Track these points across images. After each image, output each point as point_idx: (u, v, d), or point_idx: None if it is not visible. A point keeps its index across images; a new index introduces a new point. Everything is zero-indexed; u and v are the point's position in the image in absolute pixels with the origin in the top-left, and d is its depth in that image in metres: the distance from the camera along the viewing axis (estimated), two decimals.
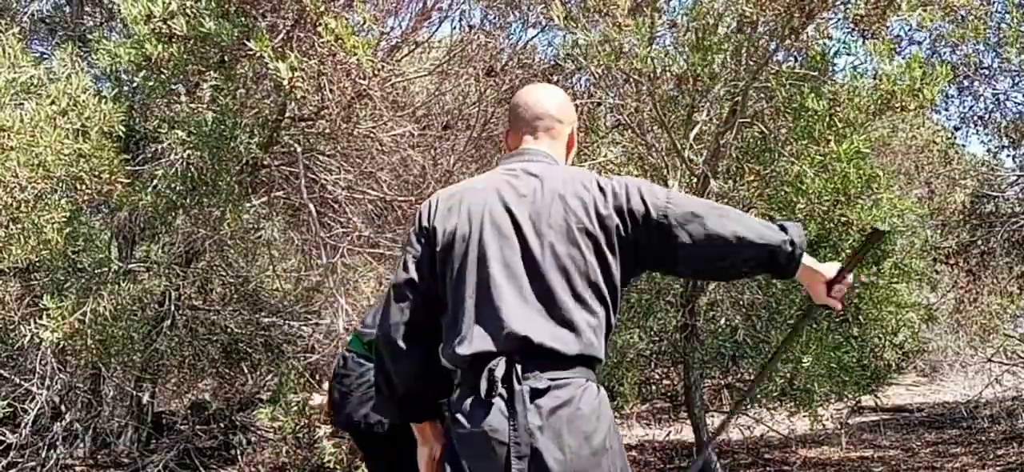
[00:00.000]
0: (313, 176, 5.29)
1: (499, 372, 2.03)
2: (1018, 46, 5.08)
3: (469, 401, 2.07)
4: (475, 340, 2.07)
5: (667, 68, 4.97)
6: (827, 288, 2.34)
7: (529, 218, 2.13)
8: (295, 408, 5.19)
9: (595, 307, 2.10)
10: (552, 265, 2.09)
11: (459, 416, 2.08)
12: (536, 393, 2.02)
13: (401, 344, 2.17)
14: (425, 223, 2.20)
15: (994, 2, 5.81)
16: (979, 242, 7.37)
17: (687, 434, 7.36)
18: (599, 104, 6.07)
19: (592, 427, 2.04)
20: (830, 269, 2.34)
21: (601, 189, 2.17)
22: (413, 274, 2.18)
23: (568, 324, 2.06)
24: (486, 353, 2.05)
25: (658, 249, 2.15)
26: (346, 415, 3.22)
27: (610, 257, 2.13)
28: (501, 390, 2.02)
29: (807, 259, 2.28)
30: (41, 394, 5.52)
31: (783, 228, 2.23)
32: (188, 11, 4.34)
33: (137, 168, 5.15)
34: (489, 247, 2.11)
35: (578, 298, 2.08)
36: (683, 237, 2.13)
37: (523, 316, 2.05)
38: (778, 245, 2.19)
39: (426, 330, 2.17)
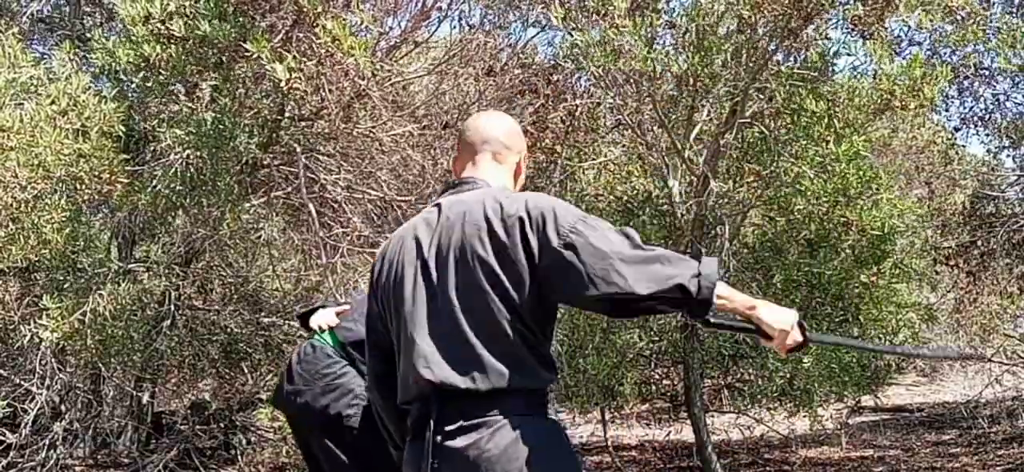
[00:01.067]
0: (313, 176, 5.28)
1: (413, 420, 2.02)
2: (1009, 52, 5.07)
3: (408, 439, 2.07)
4: (401, 388, 2.05)
5: (667, 68, 4.97)
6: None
7: (434, 252, 2.05)
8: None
9: (505, 338, 1.95)
10: (453, 299, 1.98)
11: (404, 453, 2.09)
12: (446, 436, 1.94)
13: (379, 396, 2.19)
14: (372, 276, 2.18)
15: (994, 3, 5.80)
16: (979, 242, 7.37)
17: (687, 434, 7.36)
18: (599, 104, 6.08)
19: (500, 469, 1.92)
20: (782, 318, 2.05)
21: (503, 212, 2.00)
22: (371, 331, 2.18)
23: (475, 360, 1.94)
24: (406, 400, 2.04)
25: (561, 281, 1.94)
26: (302, 403, 3.22)
27: (512, 282, 1.95)
28: (419, 434, 1.99)
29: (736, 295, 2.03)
30: (41, 394, 5.52)
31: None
32: (186, 12, 4.34)
33: (137, 168, 5.15)
34: (403, 288, 2.05)
35: (484, 332, 1.95)
36: (585, 274, 1.90)
37: (431, 358, 1.96)
38: (685, 281, 1.90)
39: (393, 379, 2.12)
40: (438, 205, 2.14)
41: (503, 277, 1.95)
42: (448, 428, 1.93)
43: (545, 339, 2.02)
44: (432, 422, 1.94)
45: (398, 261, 2.09)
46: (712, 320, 2.01)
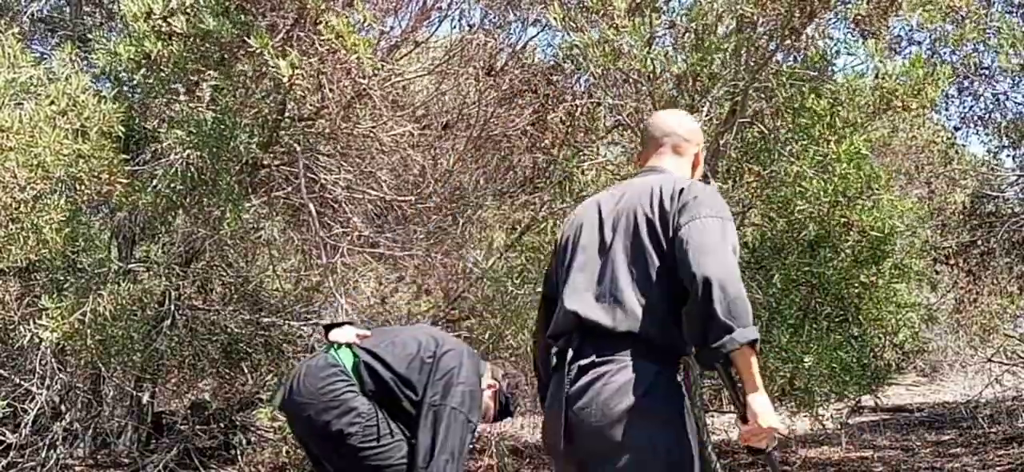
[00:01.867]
0: (313, 176, 5.28)
1: (557, 351, 2.40)
2: (1007, 53, 5.07)
3: (552, 371, 2.44)
4: (554, 322, 2.44)
5: (666, 68, 4.97)
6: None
7: (611, 216, 2.42)
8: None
9: (651, 293, 2.28)
10: (618, 254, 2.34)
11: (548, 383, 2.47)
12: (582, 368, 2.29)
13: (535, 345, 2.66)
14: (557, 240, 2.60)
15: (994, 3, 5.81)
16: (979, 242, 7.37)
17: None
18: (599, 104, 6.07)
19: (615, 403, 2.23)
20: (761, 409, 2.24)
21: (671, 189, 2.35)
22: (546, 284, 2.64)
23: (622, 305, 2.28)
24: (554, 335, 2.43)
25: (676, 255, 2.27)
26: (306, 416, 3.24)
27: (660, 249, 2.30)
28: (559, 364, 2.37)
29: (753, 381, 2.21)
30: (41, 394, 5.52)
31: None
32: (188, 9, 4.33)
33: (137, 168, 5.15)
34: (578, 242, 2.45)
35: (637, 284, 2.30)
36: (674, 245, 2.27)
37: (585, 298, 2.34)
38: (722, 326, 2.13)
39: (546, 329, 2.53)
40: (620, 186, 2.57)
41: (661, 242, 2.30)
42: (583, 362, 2.29)
43: (682, 303, 2.25)
44: (571, 352, 2.31)
45: (578, 223, 2.51)
46: (716, 366, 2.25)
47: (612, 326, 2.28)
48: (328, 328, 3.52)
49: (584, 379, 2.28)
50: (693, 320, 2.19)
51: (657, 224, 2.31)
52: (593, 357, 2.28)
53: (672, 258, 2.26)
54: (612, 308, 2.29)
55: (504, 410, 3.55)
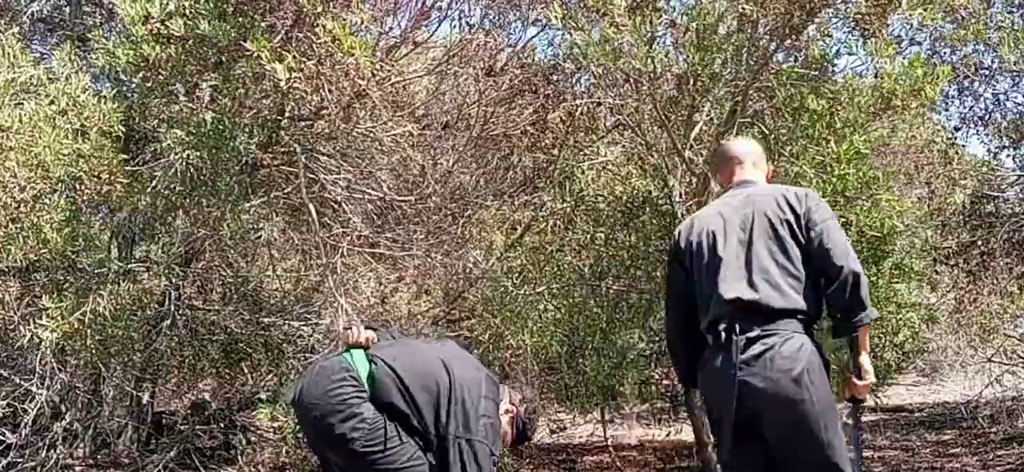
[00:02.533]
0: (313, 176, 5.28)
1: (723, 327, 2.93)
2: (1011, 47, 5.07)
3: (709, 351, 3.02)
4: (711, 310, 2.98)
5: (667, 68, 4.97)
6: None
7: (741, 221, 3.03)
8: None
9: (794, 276, 2.93)
10: (762, 250, 2.95)
11: (705, 361, 3.03)
12: (749, 341, 2.88)
13: (678, 337, 3.20)
14: (681, 243, 3.16)
15: (994, 3, 5.80)
16: (979, 242, 7.37)
17: (687, 434, 7.36)
18: (599, 104, 6.07)
19: (790, 364, 2.85)
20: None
21: (794, 196, 3.05)
22: (674, 283, 3.21)
23: (774, 287, 2.91)
24: (717, 317, 2.96)
25: (808, 248, 2.98)
26: (313, 417, 3.22)
27: (798, 242, 2.96)
28: (726, 340, 2.91)
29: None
30: (41, 394, 5.51)
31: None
32: (186, 12, 4.33)
33: (136, 168, 5.15)
34: (716, 247, 3.02)
35: (782, 268, 2.93)
36: (813, 241, 2.96)
37: (737, 288, 2.93)
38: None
39: (687, 322, 3.15)
40: (730, 194, 3.21)
41: (798, 237, 2.96)
42: (749, 335, 2.88)
43: (814, 284, 2.97)
44: (738, 328, 2.88)
45: (708, 232, 3.08)
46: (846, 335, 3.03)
47: (770, 305, 2.88)
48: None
49: (754, 348, 2.87)
50: (839, 300, 2.93)
51: (793, 223, 2.96)
52: (758, 330, 2.88)
53: (806, 249, 2.95)
54: (767, 290, 2.90)
55: (521, 434, 3.53)
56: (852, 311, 2.92)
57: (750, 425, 2.90)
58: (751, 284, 2.92)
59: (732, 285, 2.93)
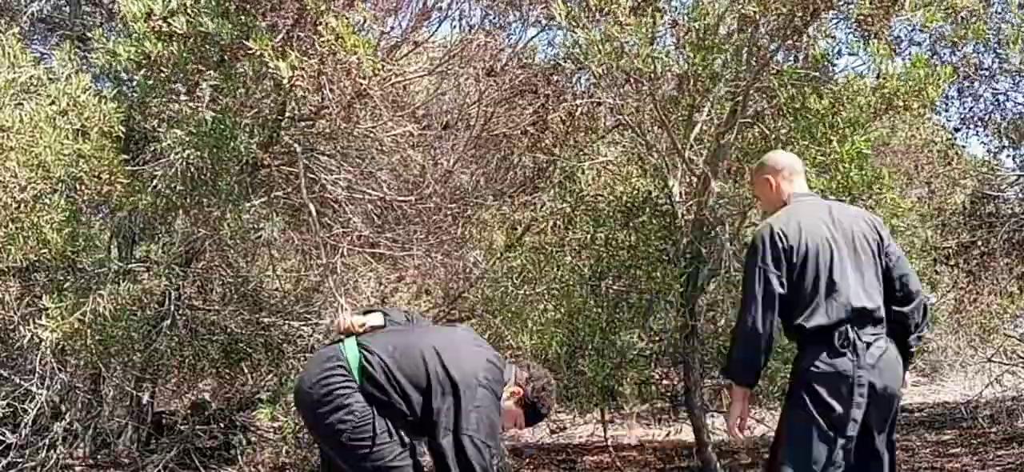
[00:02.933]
0: (313, 176, 5.28)
1: (849, 331, 3.22)
2: (1020, 46, 5.07)
3: (824, 352, 3.24)
4: (831, 313, 3.24)
5: (668, 68, 4.97)
6: None
7: (841, 234, 3.36)
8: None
9: (881, 289, 3.36)
10: (863, 263, 3.34)
11: (817, 362, 3.25)
12: (867, 344, 3.24)
13: (767, 332, 3.28)
14: (784, 246, 3.31)
15: (994, 3, 5.80)
16: (979, 242, 7.36)
17: (687, 434, 7.35)
18: (599, 104, 6.07)
19: (898, 366, 3.36)
20: None
21: (874, 220, 3.54)
22: (777, 287, 3.29)
23: (877, 297, 3.32)
24: (841, 320, 3.23)
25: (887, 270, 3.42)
26: (306, 405, 3.23)
27: (879, 262, 3.40)
28: (851, 343, 3.22)
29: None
30: (41, 394, 5.50)
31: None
32: (188, 9, 4.32)
33: (137, 168, 5.14)
34: (825, 256, 3.30)
35: (878, 281, 3.36)
36: (892, 267, 3.42)
37: (860, 295, 3.27)
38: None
39: (775, 322, 3.32)
40: (818, 205, 3.53)
41: (878, 257, 3.40)
42: (867, 338, 3.25)
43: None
44: (860, 332, 3.23)
45: (824, 240, 3.33)
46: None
47: (879, 313, 3.29)
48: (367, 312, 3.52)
49: (874, 350, 3.25)
50: (915, 317, 3.43)
51: (878, 245, 3.40)
52: (870, 334, 3.25)
53: (886, 270, 3.40)
54: (877, 300, 3.30)
55: (533, 412, 3.46)
56: (920, 327, 3.44)
57: (864, 419, 3.26)
58: (867, 293, 3.29)
59: (856, 292, 3.27)
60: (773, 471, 3.36)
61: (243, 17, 4.47)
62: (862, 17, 4.62)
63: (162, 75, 4.50)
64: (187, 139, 4.62)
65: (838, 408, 3.22)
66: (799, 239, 3.31)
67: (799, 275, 3.29)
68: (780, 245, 3.30)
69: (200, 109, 4.82)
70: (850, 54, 5.05)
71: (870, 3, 4.61)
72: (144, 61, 4.35)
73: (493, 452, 3.19)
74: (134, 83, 4.86)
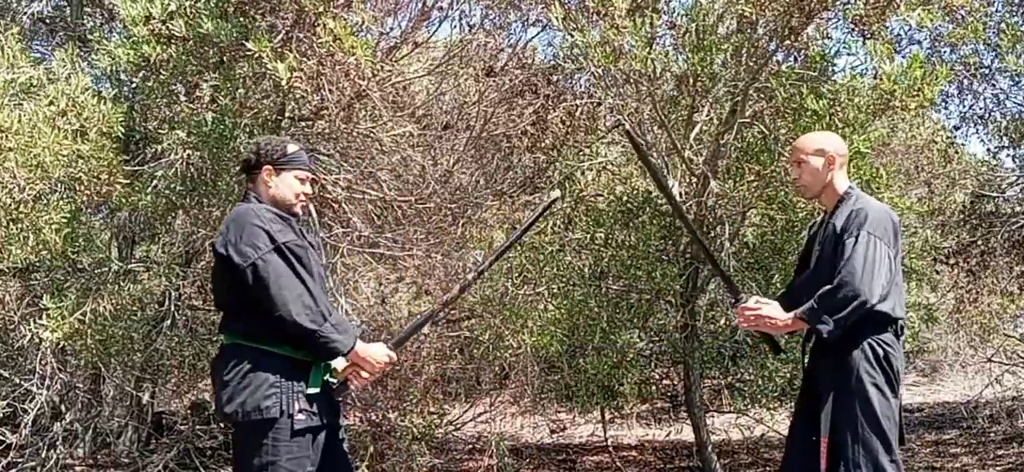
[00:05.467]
0: (313, 176, 5.27)
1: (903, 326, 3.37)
2: (1016, 51, 5.07)
3: (897, 345, 3.31)
4: (902, 307, 3.33)
5: (667, 68, 4.97)
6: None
7: None
8: None
9: None
10: None
11: (898, 355, 3.31)
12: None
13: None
14: (897, 232, 3.34)
15: (994, 2, 5.80)
16: (979, 242, 7.36)
17: (687, 434, 7.36)
18: (599, 104, 6.07)
19: None
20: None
21: None
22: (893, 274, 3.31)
23: None
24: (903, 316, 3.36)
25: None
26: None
27: None
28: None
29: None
30: (41, 394, 5.52)
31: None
32: (187, 12, 4.33)
33: (137, 168, 5.15)
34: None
35: None
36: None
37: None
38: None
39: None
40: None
41: None
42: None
43: None
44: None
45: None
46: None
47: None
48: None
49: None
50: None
51: None
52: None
53: None
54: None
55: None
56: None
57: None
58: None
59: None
60: (875, 454, 3.23)
61: (242, 18, 4.48)
62: (858, 17, 4.62)
63: (162, 77, 4.50)
64: (187, 139, 4.63)
65: (897, 400, 3.30)
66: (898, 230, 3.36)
67: (896, 263, 3.33)
68: (897, 230, 3.34)
69: (200, 110, 4.83)
70: (847, 54, 5.05)
71: (865, 3, 4.61)
72: (143, 64, 4.35)
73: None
74: (134, 85, 4.86)
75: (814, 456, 3.30)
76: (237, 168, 3.35)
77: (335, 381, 3.20)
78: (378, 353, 3.20)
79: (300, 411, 3.03)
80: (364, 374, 3.21)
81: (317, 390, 3.12)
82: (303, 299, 2.98)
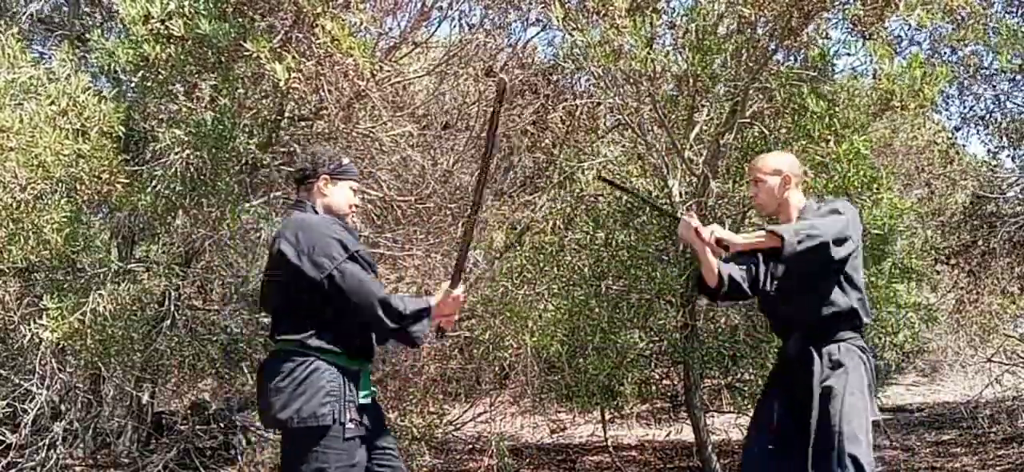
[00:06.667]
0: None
1: None
2: (1010, 52, 5.06)
3: (868, 349, 3.47)
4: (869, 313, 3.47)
5: (667, 68, 4.97)
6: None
7: None
8: None
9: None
10: None
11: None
12: None
13: None
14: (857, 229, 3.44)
15: (994, 3, 5.80)
16: (979, 242, 7.37)
17: (687, 434, 7.36)
18: (599, 104, 6.07)
19: None
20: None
21: None
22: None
23: None
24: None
25: None
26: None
27: None
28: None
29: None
30: (41, 394, 5.51)
31: None
32: (185, 12, 4.33)
33: (136, 168, 5.15)
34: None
35: None
36: None
37: None
38: None
39: None
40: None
41: None
42: None
43: None
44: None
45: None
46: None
47: None
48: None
49: None
50: None
51: None
52: None
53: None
54: None
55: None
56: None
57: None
58: None
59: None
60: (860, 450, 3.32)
61: (240, 19, 4.47)
62: (856, 17, 4.62)
63: (161, 76, 4.50)
64: (186, 139, 4.63)
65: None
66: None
67: (858, 267, 3.43)
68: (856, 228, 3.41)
69: (199, 110, 4.83)
70: (847, 54, 5.05)
71: (864, 4, 4.61)
72: (142, 63, 4.35)
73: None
74: (133, 85, 4.86)
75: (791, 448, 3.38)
76: (294, 175, 3.40)
77: (429, 332, 3.33)
78: (452, 301, 3.33)
79: (350, 420, 3.08)
80: (452, 317, 3.42)
81: (367, 400, 3.19)
82: (383, 301, 3.06)
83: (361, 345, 3.18)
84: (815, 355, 3.37)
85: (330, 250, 3.05)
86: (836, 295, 3.37)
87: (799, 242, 3.19)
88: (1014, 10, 6.08)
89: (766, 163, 3.58)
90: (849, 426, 3.27)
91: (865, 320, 3.46)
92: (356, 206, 3.39)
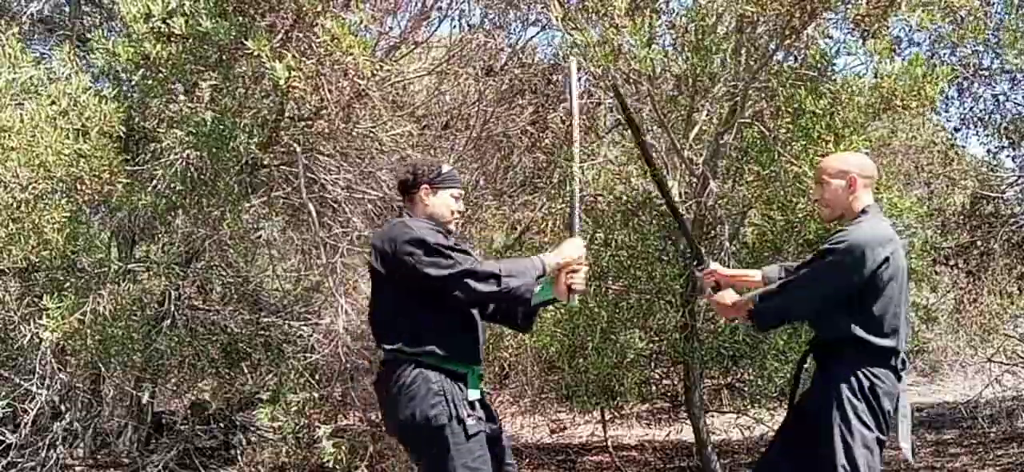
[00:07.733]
0: (313, 176, 5.28)
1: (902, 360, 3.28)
2: (1016, 49, 5.07)
3: (895, 378, 3.25)
4: (901, 339, 3.23)
5: (666, 68, 4.97)
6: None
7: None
8: (295, 408, 5.19)
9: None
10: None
11: (895, 385, 3.25)
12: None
13: None
14: (882, 264, 3.21)
15: (994, 3, 5.80)
16: (979, 243, 7.36)
17: (687, 434, 7.36)
18: (599, 104, 6.07)
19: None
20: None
21: None
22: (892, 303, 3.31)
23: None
24: (901, 349, 3.28)
25: None
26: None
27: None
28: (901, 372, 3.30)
29: None
30: (41, 394, 5.52)
31: None
32: (186, 10, 4.33)
33: (137, 168, 5.15)
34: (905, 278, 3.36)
35: None
36: None
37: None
38: None
39: None
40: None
41: None
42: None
43: None
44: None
45: (905, 260, 3.31)
46: None
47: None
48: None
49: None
50: None
51: None
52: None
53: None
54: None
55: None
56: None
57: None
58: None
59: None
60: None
61: (241, 18, 4.48)
62: (859, 17, 4.61)
63: (161, 75, 4.50)
64: (187, 139, 4.63)
65: (886, 428, 3.23)
66: (897, 252, 3.20)
67: (895, 291, 3.21)
68: (889, 256, 3.17)
69: (199, 109, 4.83)
70: (848, 54, 5.04)
71: (866, 3, 4.61)
72: (143, 62, 4.36)
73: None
74: (133, 83, 4.86)
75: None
76: (395, 183, 3.47)
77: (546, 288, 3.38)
78: (571, 251, 3.35)
79: (468, 416, 3.11)
80: (579, 275, 3.37)
81: (477, 395, 3.21)
82: (469, 270, 3.08)
83: (463, 346, 3.19)
84: (818, 375, 3.35)
85: (409, 247, 3.09)
86: (840, 320, 3.19)
87: (763, 321, 3.47)
88: (1014, 10, 6.08)
89: (831, 164, 3.39)
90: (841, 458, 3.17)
91: (880, 343, 3.19)
92: (459, 212, 3.42)
